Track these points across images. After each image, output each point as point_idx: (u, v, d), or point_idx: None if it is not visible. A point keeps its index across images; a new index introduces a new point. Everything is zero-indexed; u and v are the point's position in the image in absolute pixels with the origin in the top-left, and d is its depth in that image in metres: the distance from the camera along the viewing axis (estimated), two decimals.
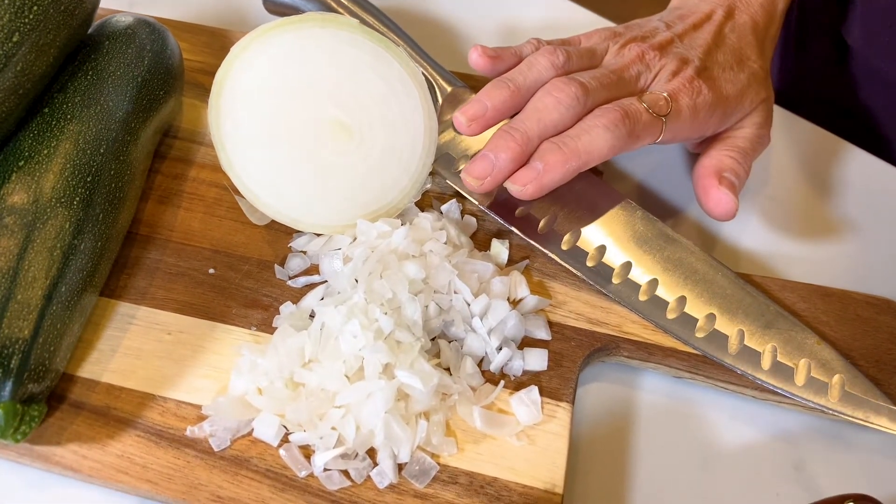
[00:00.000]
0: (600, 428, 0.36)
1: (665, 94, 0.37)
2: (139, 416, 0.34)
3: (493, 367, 0.35)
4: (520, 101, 0.38)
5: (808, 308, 0.38)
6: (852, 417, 0.35)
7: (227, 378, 0.35)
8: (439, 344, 0.36)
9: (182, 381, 0.35)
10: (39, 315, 0.32)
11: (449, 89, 0.44)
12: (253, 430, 0.33)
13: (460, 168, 0.40)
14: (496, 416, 0.34)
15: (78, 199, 0.34)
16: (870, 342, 0.37)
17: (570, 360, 0.36)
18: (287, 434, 0.33)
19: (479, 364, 0.36)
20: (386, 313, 0.34)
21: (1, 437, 0.31)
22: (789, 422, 0.37)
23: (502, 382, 0.35)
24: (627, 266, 0.38)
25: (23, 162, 0.34)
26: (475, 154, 0.38)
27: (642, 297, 0.37)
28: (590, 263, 0.38)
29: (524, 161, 0.37)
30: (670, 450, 0.36)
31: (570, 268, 0.38)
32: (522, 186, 0.36)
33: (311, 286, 0.38)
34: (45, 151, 0.34)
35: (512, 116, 0.38)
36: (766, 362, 0.36)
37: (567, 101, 0.36)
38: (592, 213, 0.40)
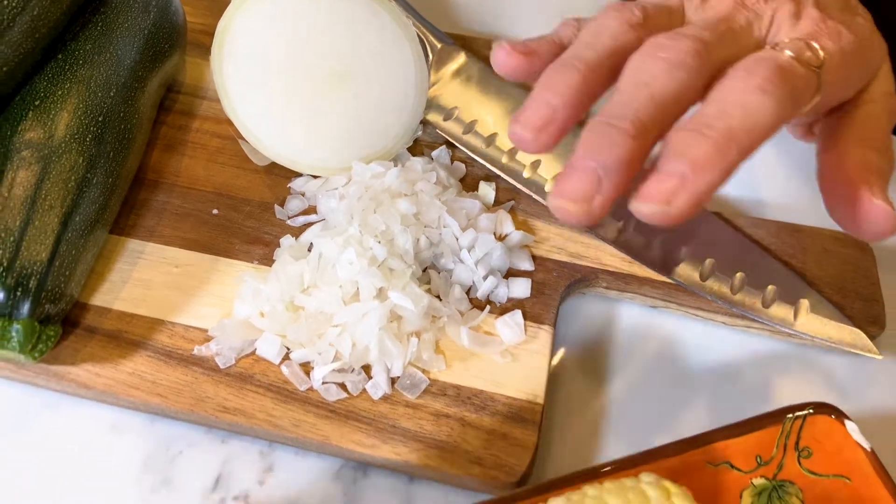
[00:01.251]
0: (579, 350, 0.39)
1: (804, 39, 0.28)
2: (149, 339, 0.36)
3: (480, 294, 0.38)
4: (598, 86, 0.27)
5: (776, 242, 0.41)
6: (816, 338, 0.37)
7: (231, 305, 0.37)
8: (430, 274, 0.38)
9: (189, 308, 0.37)
10: (56, 240, 0.34)
11: (439, 46, 0.46)
12: (256, 349, 0.36)
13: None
14: (482, 336, 0.37)
15: (90, 136, 0.36)
16: (834, 272, 0.40)
17: (551, 288, 0.39)
18: (288, 353, 0.36)
19: (467, 293, 0.38)
20: (380, 242, 0.36)
21: (19, 352, 0.33)
22: (757, 345, 0.39)
23: (488, 307, 0.37)
24: None
25: (38, 102, 0.36)
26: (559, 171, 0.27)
27: (621, 236, 0.40)
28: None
29: (642, 163, 0.25)
30: (644, 369, 0.38)
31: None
32: (665, 204, 0.24)
33: (310, 224, 0.40)
34: (59, 93, 0.36)
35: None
36: (735, 288, 0.38)
37: (684, 59, 0.25)
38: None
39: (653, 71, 0.25)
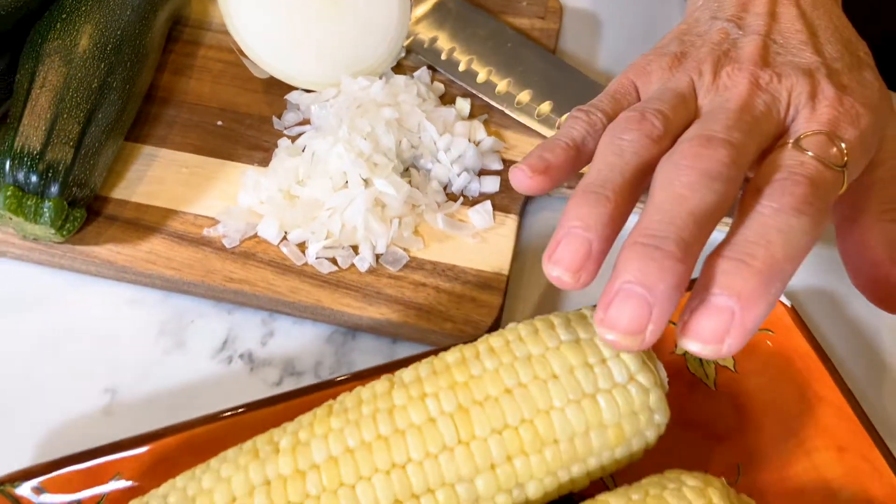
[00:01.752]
0: (543, 238, 0.44)
1: (827, 133, 0.26)
2: (164, 225, 0.41)
3: (455, 188, 0.43)
4: (628, 208, 0.26)
5: None
6: None
7: (235, 198, 0.42)
8: (410, 172, 0.43)
9: (198, 200, 0.42)
10: (81, 133, 0.39)
11: None
12: (257, 231, 0.41)
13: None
14: (456, 222, 0.42)
15: (110, 46, 0.41)
16: None
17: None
18: (285, 235, 0.41)
19: (444, 189, 0.43)
20: (366, 139, 0.41)
21: (50, 227, 0.38)
22: None
23: (462, 199, 0.42)
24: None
25: (65, 15, 0.41)
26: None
27: None
28: (538, 117, 0.46)
29: (686, 287, 0.24)
30: None
31: (523, 121, 0.46)
32: (719, 344, 0.23)
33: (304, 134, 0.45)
34: (83, 9, 0.41)
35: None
36: None
37: (719, 170, 0.24)
38: (545, 81, 0.47)
39: (691, 184, 0.24)
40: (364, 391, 0.29)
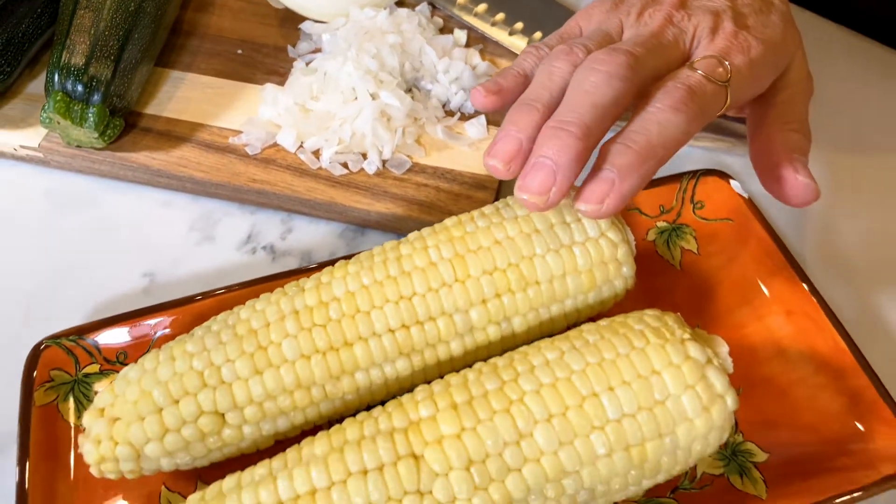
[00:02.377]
0: None
1: (717, 56, 0.32)
2: (192, 136, 0.46)
3: (453, 105, 0.48)
4: None
5: None
6: (712, 136, 0.47)
7: (256, 114, 0.47)
8: (413, 91, 0.48)
9: (223, 115, 0.47)
10: (121, 48, 0.44)
11: None
12: (277, 140, 0.45)
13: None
14: (453, 133, 0.46)
15: None
16: None
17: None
18: (301, 144, 0.45)
19: (443, 107, 0.48)
20: (373, 58, 0.46)
21: (94, 130, 0.43)
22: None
23: (459, 113, 0.47)
24: None
25: None
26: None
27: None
28: (525, 46, 0.51)
29: (587, 160, 0.30)
30: None
31: (515, 50, 0.51)
32: (599, 204, 0.29)
33: None
34: None
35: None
36: None
37: (619, 71, 0.30)
38: (536, 14, 0.52)
39: (594, 81, 0.30)
40: (375, 248, 0.34)
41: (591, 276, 0.33)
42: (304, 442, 0.29)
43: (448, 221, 0.34)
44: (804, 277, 0.39)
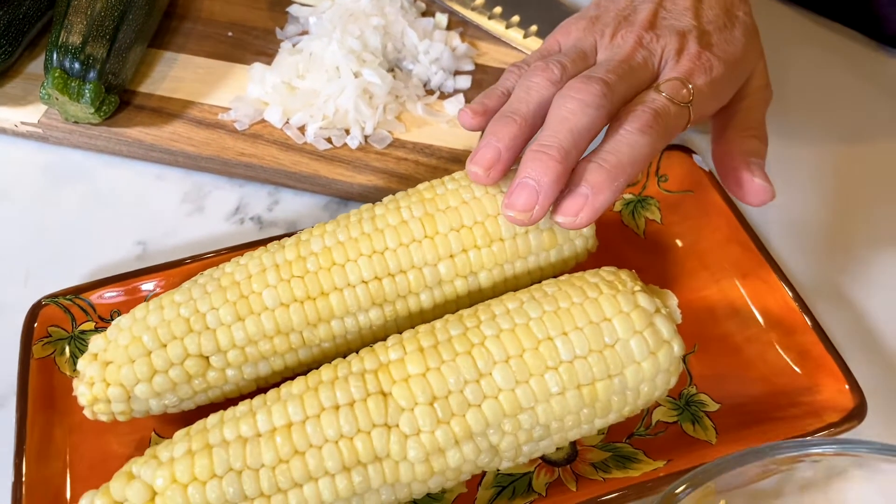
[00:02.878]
0: None
1: (681, 79, 0.35)
2: (184, 112, 0.48)
3: (433, 84, 0.50)
4: (530, 130, 0.35)
5: None
6: None
7: (244, 93, 0.49)
8: (395, 72, 0.50)
9: (213, 94, 0.50)
10: (115, 28, 0.46)
11: None
12: (264, 117, 0.48)
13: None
14: (433, 110, 0.49)
15: None
16: None
17: (487, 84, 0.51)
18: (287, 120, 0.48)
19: (423, 86, 0.51)
20: (357, 39, 0.49)
21: (90, 105, 0.45)
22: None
23: (439, 92, 0.50)
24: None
25: None
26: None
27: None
28: (508, 29, 0.53)
29: (566, 180, 0.33)
30: None
31: (494, 32, 0.53)
32: (574, 217, 0.32)
33: None
34: None
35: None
36: None
37: (593, 100, 0.33)
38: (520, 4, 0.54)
39: (571, 108, 0.33)
40: (353, 211, 0.36)
41: (551, 233, 0.36)
42: (283, 385, 0.31)
43: (420, 186, 0.37)
44: (759, 244, 0.41)
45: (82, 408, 0.33)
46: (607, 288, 0.32)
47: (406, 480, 0.29)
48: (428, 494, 0.33)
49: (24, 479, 0.32)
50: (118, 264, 0.44)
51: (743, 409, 0.37)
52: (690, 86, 0.35)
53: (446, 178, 0.37)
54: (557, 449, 0.34)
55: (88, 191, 0.47)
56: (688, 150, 0.45)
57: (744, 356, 0.38)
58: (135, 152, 0.48)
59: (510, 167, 0.35)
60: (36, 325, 0.37)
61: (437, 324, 0.32)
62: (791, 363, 0.37)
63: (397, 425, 0.29)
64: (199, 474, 0.28)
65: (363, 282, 0.33)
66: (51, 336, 0.37)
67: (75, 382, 0.33)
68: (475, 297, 0.35)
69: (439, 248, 0.34)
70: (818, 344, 0.37)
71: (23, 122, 0.48)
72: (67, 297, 0.38)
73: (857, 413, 0.34)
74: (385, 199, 0.37)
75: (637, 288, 0.32)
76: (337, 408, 0.29)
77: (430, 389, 0.29)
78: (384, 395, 0.29)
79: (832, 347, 0.37)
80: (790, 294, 0.39)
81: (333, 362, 0.31)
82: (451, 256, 0.34)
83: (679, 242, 0.43)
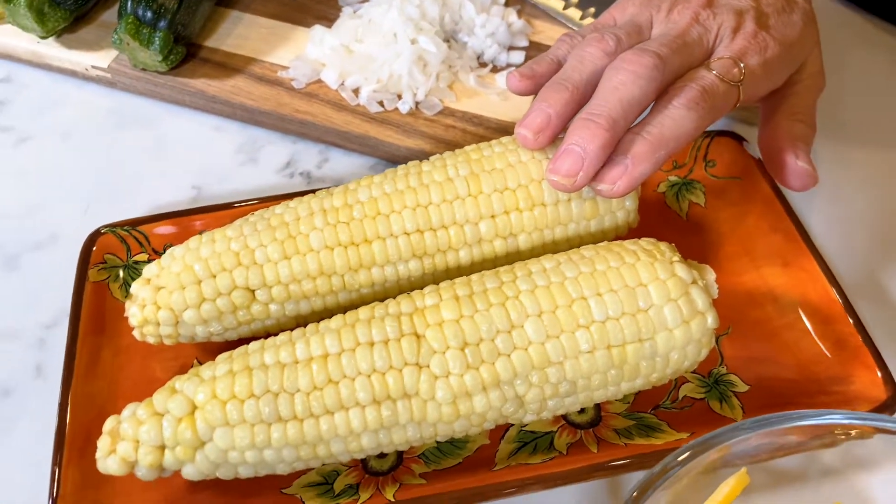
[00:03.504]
0: None
1: (733, 58, 0.35)
2: (246, 68, 0.50)
3: (487, 58, 0.51)
4: (581, 99, 0.35)
5: None
6: None
7: (304, 51, 0.51)
8: (450, 42, 0.51)
9: (274, 53, 0.51)
10: None
11: None
12: (321, 77, 0.49)
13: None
14: (485, 82, 0.50)
15: None
16: None
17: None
18: (343, 82, 0.49)
19: (478, 59, 0.51)
20: (416, 7, 0.50)
21: (159, 52, 0.47)
22: None
23: (492, 64, 0.50)
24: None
25: None
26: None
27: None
28: (565, 9, 0.53)
29: (612, 149, 0.33)
30: None
31: (551, 12, 0.54)
32: (612, 185, 0.33)
33: None
34: None
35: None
36: None
37: (645, 72, 0.33)
38: None
39: (622, 79, 0.33)
40: (401, 166, 0.37)
41: (594, 204, 0.36)
42: (323, 321, 0.32)
43: (468, 147, 0.38)
44: (804, 234, 0.41)
45: (131, 330, 0.35)
46: (645, 256, 0.32)
47: (432, 420, 0.30)
48: (452, 442, 0.34)
49: (70, 393, 0.34)
50: (173, 204, 0.46)
51: (772, 392, 0.36)
52: (742, 65, 0.35)
53: (494, 141, 0.38)
54: (582, 412, 0.35)
55: (150, 136, 0.50)
56: (738, 137, 0.45)
57: (778, 341, 0.38)
58: (196, 102, 0.50)
59: (558, 133, 0.35)
60: (94, 249, 0.39)
61: (474, 276, 0.33)
62: (826, 351, 0.37)
63: (428, 366, 0.30)
64: (238, 393, 0.29)
65: (405, 233, 0.34)
66: (106, 263, 0.39)
67: (127, 304, 0.35)
68: (513, 259, 0.36)
69: (481, 208, 0.35)
70: (855, 335, 0.36)
71: (93, 66, 0.51)
72: (125, 227, 0.40)
73: (889, 404, 0.34)
74: (432, 158, 0.37)
75: (676, 259, 0.32)
76: (372, 344, 0.30)
77: (462, 335, 0.30)
78: (417, 336, 0.30)
79: (868, 339, 0.36)
80: (831, 285, 0.38)
81: (371, 304, 0.32)
82: (493, 217, 0.35)
83: (722, 227, 0.43)
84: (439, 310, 0.31)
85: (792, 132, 0.38)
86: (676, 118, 0.33)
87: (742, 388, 0.37)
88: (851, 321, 0.37)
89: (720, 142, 0.45)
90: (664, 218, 0.44)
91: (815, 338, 0.38)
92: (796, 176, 0.38)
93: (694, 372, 0.37)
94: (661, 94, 0.34)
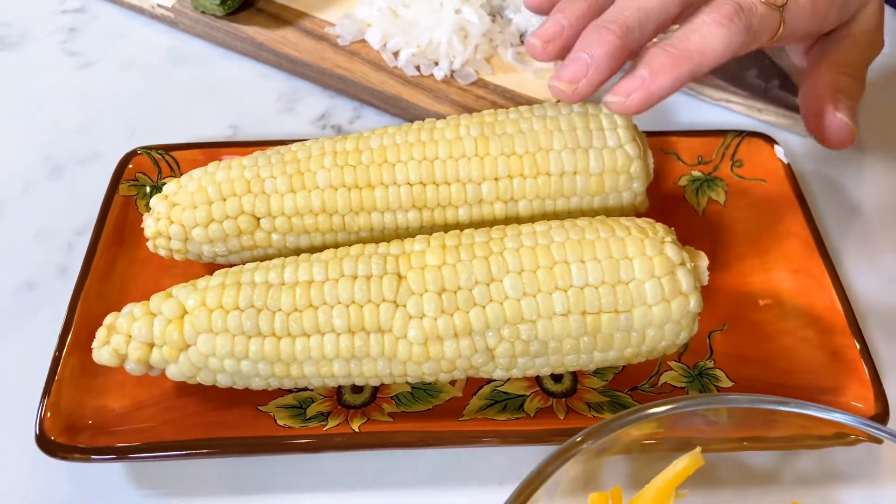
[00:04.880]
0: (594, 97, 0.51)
1: None
2: (296, 21, 0.53)
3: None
4: (601, 11, 0.33)
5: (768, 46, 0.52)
6: (780, 110, 0.48)
7: (353, 10, 0.53)
8: (495, 17, 0.52)
9: (325, 9, 0.53)
10: None
11: None
12: (365, 37, 0.51)
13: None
14: (523, 59, 0.50)
15: None
16: None
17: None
18: (385, 44, 0.51)
19: (520, 37, 0.52)
20: None
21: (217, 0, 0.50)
22: (731, 118, 0.50)
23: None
24: None
25: None
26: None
27: None
28: None
29: (624, 59, 0.31)
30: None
31: None
32: (626, 97, 0.31)
33: None
34: None
35: None
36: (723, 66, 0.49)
37: None
38: None
39: None
40: (417, 121, 0.39)
41: (599, 180, 0.36)
42: (316, 253, 0.34)
43: (486, 111, 0.38)
44: (820, 244, 0.40)
45: (146, 241, 0.37)
46: (637, 232, 0.32)
47: (402, 358, 0.31)
48: (426, 389, 0.35)
49: (83, 290, 0.37)
50: (210, 139, 0.48)
51: (756, 392, 0.36)
52: None
53: (511, 108, 0.38)
54: (558, 381, 0.35)
55: (200, 75, 0.53)
56: (770, 140, 0.44)
57: (773, 345, 0.37)
58: (246, 49, 0.53)
59: (570, 46, 0.33)
60: (129, 167, 0.42)
61: (467, 231, 0.34)
62: (820, 362, 0.36)
63: (404, 305, 0.31)
64: (224, 304, 0.31)
65: (408, 183, 0.36)
66: (137, 181, 0.42)
67: (145, 216, 0.37)
68: (512, 224, 0.37)
69: (486, 169, 0.36)
70: (853, 348, 0.35)
71: (159, 5, 0.54)
72: (159, 151, 0.43)
73: (877, 421, 0.33)
74: (449, 117, 0.38)
75: (668, 239, 0.32)
76: (355, 277, 0.31)
77: (441, 280, 0.31)
78: (399, 276, 0.31)
79: (867, 353, 0.35)
80: (838, 296, 0.37)
81: (363, 244, 0.34)
82: (496, 179, 0.36)
83: (737, 227, 0.42)
84: (424, 255, 0.32)
85: (836, 83, 0.36)
86: (705, 33, 0.31)
87: (726, 383, 0.36)
88: (853, 335, 0.36)
89: (751, 142, 0.44)
90: (679, 209, 0.43)
91: (813, 347, 0.37)
92: (833, 130, 0.34)
93: (679, 361, 0.37)
94: (692, 9, 0.32)
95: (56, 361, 0.34)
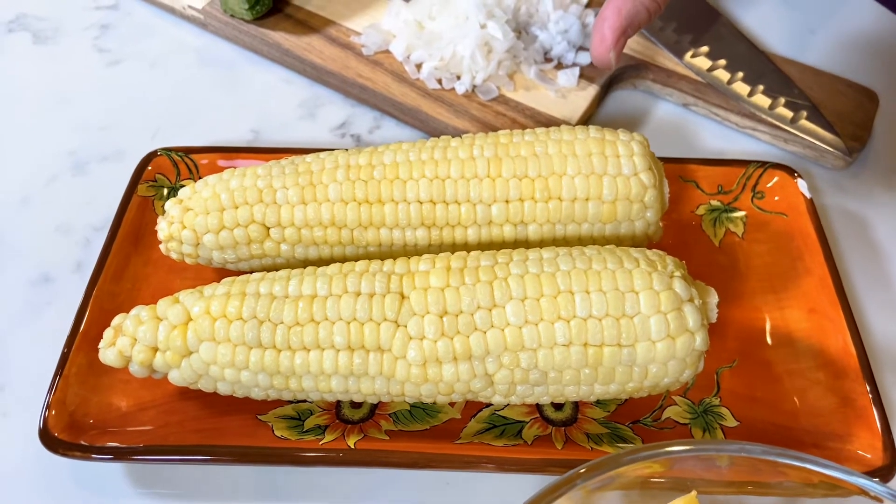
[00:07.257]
0: (618, 118, 0.51)
1: None
2: (323, 29, 0.53)
3: (554, 54, 0.51)
4: None
5: (800, 78, 0.50)
6: (805, 136, 0.47)
7: (380, 21, 0.53)
8: (521, 33, 0.52)
9: (352, 18, 0.53)
10: None
11: None
12: (389, 48, 0.51)
13: None
14: (545, 76, 0.50)
15: None
16: (839, 105, 0.49)
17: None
18: (409, 56, 0.51)
19: (545, 55, 0.51)
20: None
21: (245, 3, 0.50)
22: (756, 146, 0.49)
23: (557, 61, 0.50)
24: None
25: None
26: None
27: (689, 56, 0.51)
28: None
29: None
30: (656, 136, 0.50)
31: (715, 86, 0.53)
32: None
33: None
34: None
35: None
36: (752, 93, 0.48)
37: None
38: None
39: None
40: (433, 138, 0.38)
41: (612, 207, 0.36)
42: (322, 267, 0.34)
43: (502, 131, 0.38)
44: (838, 284, 0.39)
45: (160, 243, 0.38)
46: (646, 265, 0.32)
47: (400, 378, 0.31)
48: (425, 409, 0.35)
49: (96, 287, 0.37)
50: (230, 142, 0.49)
51: (762, 435, 0.35)
52: None
53: (528, 130, 0.38)
54: (559, 409, 0.35)
55: (225, 78, 0.53)
56: (793, 172, 0.43)
57: (783, 386, 0.36)
58: (272, 53, 0.53)
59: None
60: (149, 168, 0.43)
61: (473, 253, 0.33)
62: (830, 407, 0.35)
63: (405, 326, 0.31)
64: (228, 313, 0.31)
65: (418, 201, 0.35)
66: (156, 181, 0.43)
67: (159, 219, 0.38)
68: (520, 247, 0.36)
69: (497, 191, 0.35)
70: (865, 395, 0.34)
71: (190, 7, 0.55)
72: (179, 153, 0.44)
73: (885, 472, 0.32)
74: (465, 136, 0.38)
75: (678, 273, 0.32)
76: (358, 294, 0.31)
77: (443, 303, 0.31)
78: (402, 296, 0.31)
79: (879, 401, 0.34)
80: (853, 340, 0.36)
81: (370, 260, 0.34)
82: (507, 201, 0.35)
83: (753, 260, 0.41)
84: (429, 276, 0.32)
85: (621, 6, 0.37)
86: None
87: (731, 422, 0.35)
88: (865, 380, 0.35)
89: (773, 174, 0.43)
90: (694, 240, 0.43)
91: (823, 390, 0.36)
92: (594, 45, 0.37)
93: (684, 396, 0.36)
94: None
95: (64, 358, 0.35)
